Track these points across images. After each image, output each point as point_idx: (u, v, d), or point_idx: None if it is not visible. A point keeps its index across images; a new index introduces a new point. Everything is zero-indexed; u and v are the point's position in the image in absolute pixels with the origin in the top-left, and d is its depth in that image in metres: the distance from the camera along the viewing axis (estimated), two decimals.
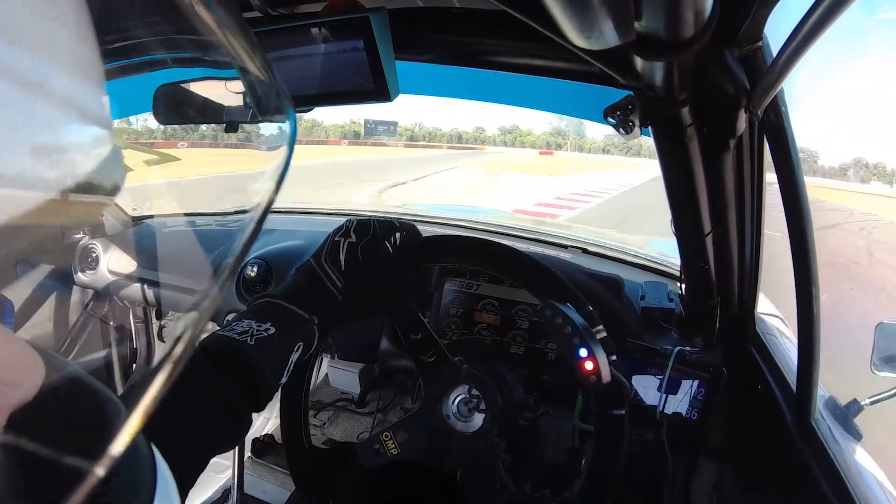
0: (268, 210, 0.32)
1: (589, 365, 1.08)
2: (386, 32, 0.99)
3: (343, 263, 1.23)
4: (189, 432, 0.92)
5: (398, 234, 1.29)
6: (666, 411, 1.39)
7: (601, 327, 1.14)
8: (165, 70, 1.28)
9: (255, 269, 2.05)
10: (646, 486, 1.48)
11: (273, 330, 1.08)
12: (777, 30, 0.73)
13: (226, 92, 1.24)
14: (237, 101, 1.23)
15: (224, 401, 0.98)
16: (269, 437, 2.16)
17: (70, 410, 0.37)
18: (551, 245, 2.13)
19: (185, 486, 0.90)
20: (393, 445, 1.30)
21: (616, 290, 1.67)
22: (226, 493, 1.93)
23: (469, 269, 1.65)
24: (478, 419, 1.27)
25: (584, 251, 2.07)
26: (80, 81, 0.30)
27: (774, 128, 0.89)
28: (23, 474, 0.32)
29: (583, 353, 1.08)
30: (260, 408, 1.06)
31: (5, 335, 0.33)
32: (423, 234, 1.37)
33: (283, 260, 2.08)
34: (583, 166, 36.63)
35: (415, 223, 1.35)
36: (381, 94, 1.05)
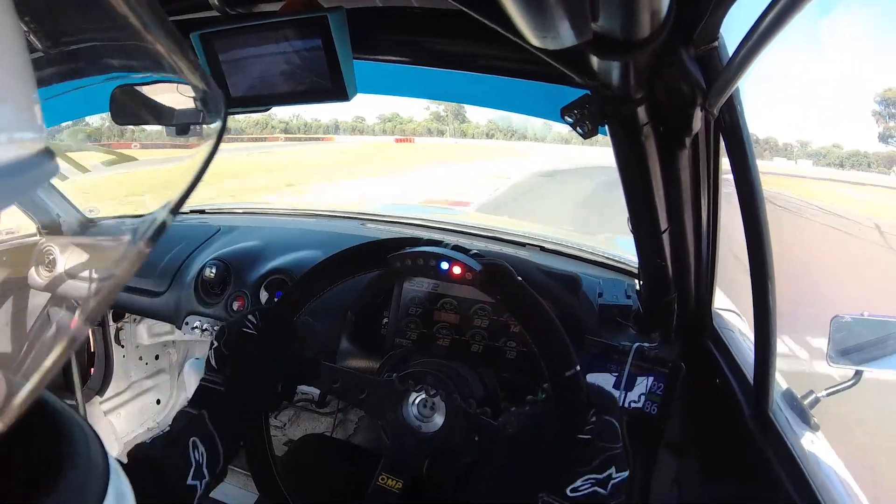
0: (176, 211, 0.33)
1: (457, 269, 1.19)
2: (344, 32, 0.99)
3: (214, 363, 1.34)
4: None
5: (251, 316, 1.36)
6: (625, 407, 1.41)
7: (444, 241, 1.27)
8: (122, 72, 1.27)
9: (213, 270, 2.02)
10: None
11: (168, 429, 1.24)
12: (733, 30, 0.74)
13: (177, 94, 1.22)
14: (188, 103, 1.21)
15: None
16: None
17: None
18: (509, 243, 2.14)
19: None
20: (394, 482, 1.29)
21: (573, 287, 1.67)
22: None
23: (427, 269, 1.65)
24: (439, 417, 1.27)
25: (542, 249, 2.08)
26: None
27: (730, 126, 0.91)
28: None
29: (444, 265, 1.20)
30: None
31: None
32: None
33: (240, 261, 2.06)
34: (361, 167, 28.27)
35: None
36: (339, 93, 1.05)
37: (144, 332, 2.63)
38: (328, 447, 1.79)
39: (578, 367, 1.12)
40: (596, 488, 1.07)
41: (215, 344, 1.34)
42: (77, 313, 0.30)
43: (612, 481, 1.07)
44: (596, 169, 23.48)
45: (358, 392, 1.33)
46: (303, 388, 1.91)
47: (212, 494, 1.88)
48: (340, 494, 1.57)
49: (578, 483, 1.08)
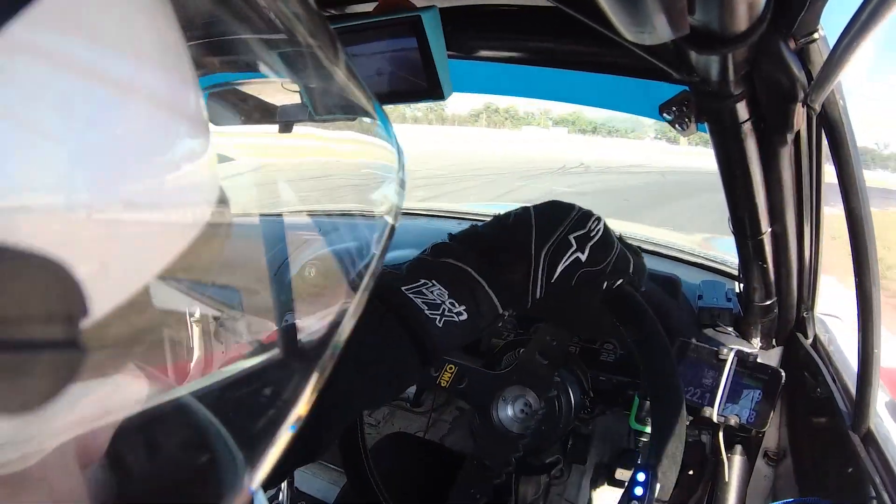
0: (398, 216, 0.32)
1: None
2: (438, 31, 0.99)
3: (557, 275, 1.03)
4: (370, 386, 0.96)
5: (621, 280, 1.12)
6: (723, 413, 1.37)
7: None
8: (210, 74, 1.29)
9: (313, 269, 2.06)
10: (700, 488, 1.47)
11: (465, 317, 0.97)
12: (834, 20, 0.72)
13: (279, 91, 1.25)
14: (292, 99, 1.24)
15: (399, 372, 0.99)
16: None
17: (170, 433, 0.37)
18: None
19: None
20: (448, 378, 1.30)
21: (673, 289, 1.64)
22: (277, 488, 1.96)
23: None
24: (522, 427, 1.27)
25: (641, 250, 2.05)
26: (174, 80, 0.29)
27: (832, 122, 0.88)
28: (125, 492, 0.34)
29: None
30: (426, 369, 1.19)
31: None
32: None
33: (339, 260, 2.09)
34: None
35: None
36: (435, 92, 1.05)
37: (244, 329, 2.71)
38: (415, 446, 1.82)
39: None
40: None
41: (582, 256, 1.05)
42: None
43: None
44: None
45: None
46: None
47: (301, 487, 1.94)
48: (424, 495, 1.59)
49: None
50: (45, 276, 0.20)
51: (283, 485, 1.83)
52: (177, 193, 0.27)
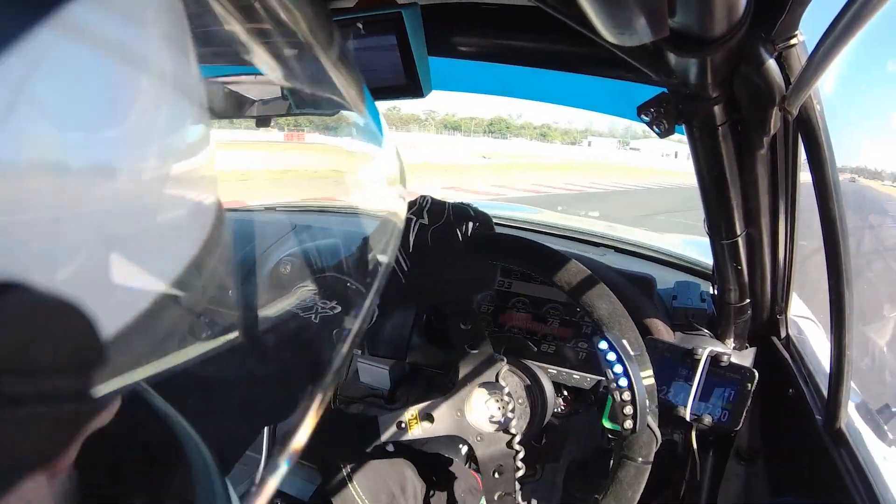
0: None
1: (628, 410, 1.05)
2: (418, 28, 0.99)
3: (411, 245, 1.20)
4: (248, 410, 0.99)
5: (471, 224, 1.24)
6: (696, 413, 1.38)
7: (650, 372, 1.12)
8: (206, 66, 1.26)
9: (288, 266, 2.05)
10: (672, 488, 1.47)
11: (339, 309, 1.09)
12: (813, 26, 0.72)
13: (257, 85, 1.23)
14: (272, 93, 1.22)
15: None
16: None
17: (145, 441, 0.37)
18: (583, 242, 2.12)
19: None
20: (416, 424, 1.30)
21: (648, 289, 1.65)
22: (251, 484, 1.93)
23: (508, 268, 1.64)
24: (502, 417, 1.27)
25: (616, 249, 2.06)
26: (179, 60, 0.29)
27: (809, 127, 0.88)
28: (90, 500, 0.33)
29: (626, 397, 1.05)
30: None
31: None
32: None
33: (316, 258, 2.08)
34: None
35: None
36: (414, 90, 1.05)
37: (227, 324, 2.67)
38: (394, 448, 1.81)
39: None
40: None
41: (424, 220, 1.24)
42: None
43: None
44: None
45: (471, 346, 1.31)
46: (372, 384, 1.94)
47: (279, 486, 1.93)
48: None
49: None
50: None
51: (258, 481, 1.80)
52: (182, 181, 0.28)
